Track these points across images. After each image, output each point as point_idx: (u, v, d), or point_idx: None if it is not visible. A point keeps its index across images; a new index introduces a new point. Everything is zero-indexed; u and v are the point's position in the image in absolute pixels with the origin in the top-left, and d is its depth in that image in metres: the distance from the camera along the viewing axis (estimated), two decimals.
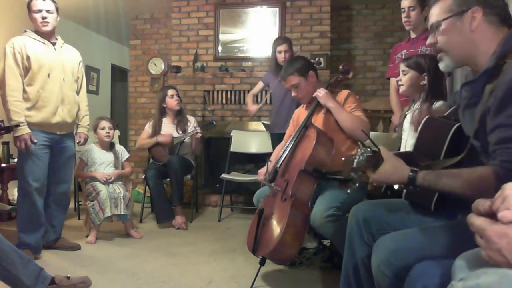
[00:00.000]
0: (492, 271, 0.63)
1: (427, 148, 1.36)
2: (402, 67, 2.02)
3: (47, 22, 2.54)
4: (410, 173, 1.14)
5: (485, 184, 0.99)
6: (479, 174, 1.03)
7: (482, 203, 0.70)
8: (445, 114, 1.45)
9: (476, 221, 0.68)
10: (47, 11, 2.54)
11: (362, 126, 2.18)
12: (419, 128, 1.42)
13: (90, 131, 3.02)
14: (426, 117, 1.44)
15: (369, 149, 1.19)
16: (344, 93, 2.35)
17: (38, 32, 2.59)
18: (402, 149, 2.02)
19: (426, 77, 1.94)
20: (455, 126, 1.28)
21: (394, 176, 1.17)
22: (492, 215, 0.67)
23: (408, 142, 1.99)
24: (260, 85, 3.77)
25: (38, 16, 2.53)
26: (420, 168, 1.16)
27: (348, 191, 1.23)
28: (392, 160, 1.18)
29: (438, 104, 1.89)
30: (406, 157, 1.22)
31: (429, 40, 1.22)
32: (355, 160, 1.18)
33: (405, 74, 2.00)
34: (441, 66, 1.23)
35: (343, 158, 1.22)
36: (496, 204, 0.66)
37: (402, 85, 2.03)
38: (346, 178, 1.21)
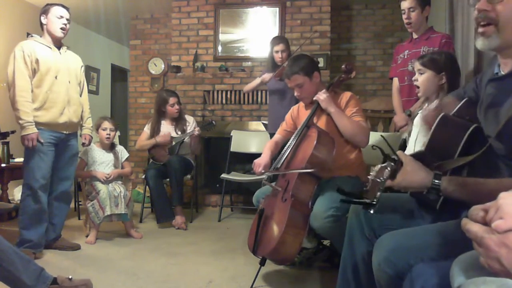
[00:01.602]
0: (490, 280, 0.62)
1: (440, 148, 1.30)
2: (418, 66, 1.92)
3: (65, 30, 2.66)
4: (434, 180, 1.07)
5: None
6: (507, 186, 0.96)
7: (476, 212, 0.67)
8: (456, 108, 1.38)
9: (472, 228, 0.66)
10: (67, 19, 2.66)
11: (361, 132, 2.18)
12: (433, 126, 1.34)
13: (93, 132, 3.05)
14: (441, 115, 1.35)
15: (392, 163, 1.15)
16: (346, 95, 2.31)
17: (46, 36, 2.65)
18: (411, 145, 1.95)
19: (444, 76, 1.85)
20: (471, 128, 1.22)
21: (416, 179, 1.11)
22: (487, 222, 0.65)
23: (419, 139, 1.90)
24: (258, 80, 3.61)
25: (59, 21, 2.62)
26: (433, 167, 1.12)
27: (372, 212, 1.16)
28: (412, 162, 1.14)
29: (446, 96, 1.82)
30: (419, 158, 1.19)
31: (482, 5, 1.02)
32: (382, 180, 1.15)
33: (421, 74, 1.91)
34: (481, 43, 1.06)
35: (369, 179, 1.18)
36: (490, 214, 0.65)
37: (419, 87, 1.93)
38: (371, 201, 1.14)
